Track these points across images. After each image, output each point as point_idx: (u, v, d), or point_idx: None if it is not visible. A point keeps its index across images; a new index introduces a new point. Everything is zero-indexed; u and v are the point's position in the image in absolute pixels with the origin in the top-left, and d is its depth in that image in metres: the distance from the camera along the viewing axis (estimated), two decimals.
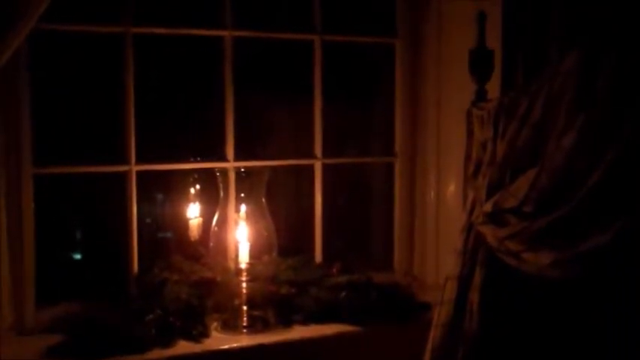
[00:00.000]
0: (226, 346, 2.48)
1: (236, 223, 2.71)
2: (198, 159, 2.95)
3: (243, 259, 2.60)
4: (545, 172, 2.01)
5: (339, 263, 2.92)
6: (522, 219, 2.05)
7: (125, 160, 2.73)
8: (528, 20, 2.28)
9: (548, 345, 2.15)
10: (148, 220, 3.18)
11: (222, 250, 2.77)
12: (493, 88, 2.41)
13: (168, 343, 2.43)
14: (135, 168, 2.74)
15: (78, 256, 3.31)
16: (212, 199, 2.91)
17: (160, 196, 3.26)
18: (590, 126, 1.94)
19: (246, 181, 2.80)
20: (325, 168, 3.07)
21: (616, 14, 1.98)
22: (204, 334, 2.51)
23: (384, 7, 3.19)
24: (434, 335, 2.28)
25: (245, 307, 2.60)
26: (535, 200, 2.03)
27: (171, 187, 3.14)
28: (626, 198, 1.87)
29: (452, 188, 3.05)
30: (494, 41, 2.42)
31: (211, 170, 2.88)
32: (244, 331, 2.58)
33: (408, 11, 3.14)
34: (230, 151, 2.87)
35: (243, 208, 2.73)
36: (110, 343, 2.35)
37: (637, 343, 2.03)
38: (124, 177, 2.74)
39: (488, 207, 2.15)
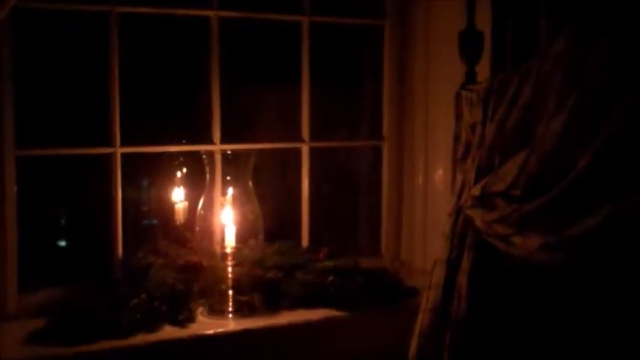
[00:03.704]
0: (212, 331, 2.46)
1: (222, 206, 2.69)
2: (184, 142, 2.92)
3: (230, 243, 2.58)
4: (535, 155, 2.00)
5: (325, 248, 2.90)
6: (511, 202, 2.04)
7: (110, 143, 2.69)
8: (518, 2, 2.25)
9: (535, 329, 2.15)
10: (133, 204, 3.14)
11: (208, 234, 2.75)
12: (483, 70, 2.39)
13: (153, 327, 2.41)
14: (120, 150, 2.70)
15: (62, 241, 3.28)
16: (198, 183, 2.88)
17: (145, 180, 3.22)
18: (580, 109, 1.93)
19: (232, 164, 2.77)
20: (313, 152, 3.05)
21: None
22: (190, 318, 2.49)
23: None
24: (422, 319, 2.27)
25: (231, 292, 2.58)
26: (524, 184, 2.01)
27: (157, 170, 3.11)
28: (616, 182, 1.86)
29: (440, 172, 3.03)
30: (483, 23, 2.40)
31: (197, 153, 2.85)
32: (230, 315, 2.56)
33: None
34: (216, 133, 2.84)
35: (229, 191, 2.70)
36: (94, 328, 2.32)
37: (624, 328, 2.02)
38: (108, 159, 2.71)
39: (476, 190, 2.14)
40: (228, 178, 2.76)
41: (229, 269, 2.57)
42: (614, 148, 1.87)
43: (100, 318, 2.33)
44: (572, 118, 1.93)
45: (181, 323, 2.46)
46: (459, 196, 2.24)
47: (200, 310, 2.57)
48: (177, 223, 3.02)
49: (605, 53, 1.89)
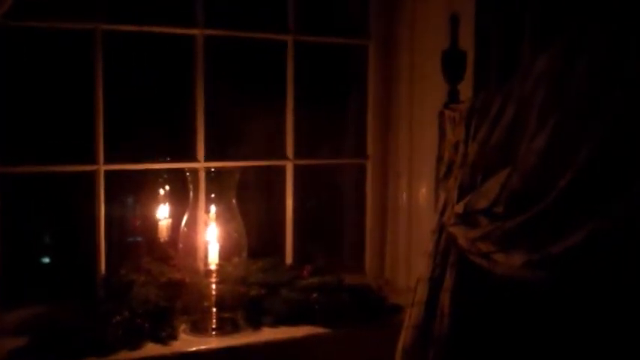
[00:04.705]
0: (195, 349, 2.45)
1: (206, 224, 2.68)
2: (168, 159, 2.92)
3: (213, 260, 2.57)
4: (517, 173, 2.01)
5: (309, 265, 2.90)
6: (494, 220, 2.05)
7: (93, 160, 2.69)
8: (501, 22, 2.28)
9: (519, 347, 2.15)
10: (117, 221, 3.13)
11: (191, 251, 2.74)
12: (466, 89, 2.41)
13: (135, 345, 2.40)
14: (103, 168, 2.70)
15: (45, 258, 3.26)
16: (182, 200, 2.88)
17: (129, 197, 3.22)
18: (562, 128, 1.94)
19: (216, 181, 2.78)
20: (297, 169, 3.06)
21: (589, 17, 1.99)
22: (173, 336, 2.48)
23: (357, 8, 3.19)
24: (404, 337, 2.27)
25: (214, 309, 2.57)
26: (506, 201, 2.02)
27: (141, 187, 3.10)
28: (599, 199, 1.87)
29: (424, 190, 3.04)
30: (467, 42, 2.42)
31: (181, 170, 2.85)
32: (213, 333, 2.55)
33: (382, 13, 3.13)
34: (200, 151, 2.84)
35: (213, 208, 2.70)
36: (76, 345, 2.31)
37: (609, 345, 2.02)
38: (92, 177, 2.70)
39: (459, 208, 2.15)
40: (212, 195, 2.76)
41: (213, 286, 2.56)
42: (596, 165, 1.88)
43: (82, 335, 2.32)
44: (553, 137, 1.94)
45: (164, 340, 2.45)
46: (442, 214, 2.25)
47: (183, 327, 2.56)
48: (161, 240, 3.01)
49: (583, 72, 1.91)
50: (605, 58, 1.91)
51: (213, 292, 2.56)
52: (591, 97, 1.91)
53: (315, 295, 2.71)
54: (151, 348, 2.42)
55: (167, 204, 3.06)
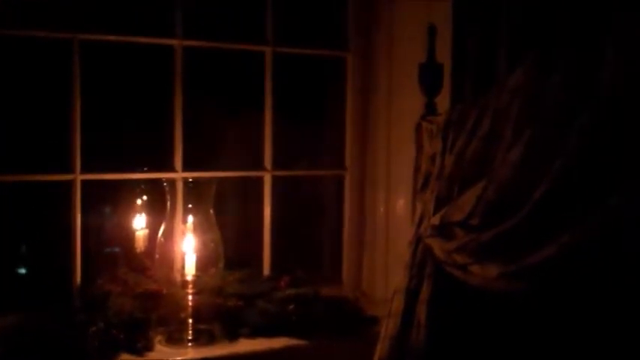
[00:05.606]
0: None
1: (183, 234, 2.67)
2: (146, 169, 2.90)
3: (190, 271, 2.56)
4: (492, 185, 2.02)
5: (287, 276, 2.90)
6: (469, 232, 2.05)
7: (70, 169, 2.68)
8: (478, 35, 2.29)
9: (495, 358, 2.16)
10: (94, 232, 3.11)
11: (168, 262, 2.72)
12: (443, 101, 2.42)
13: (111, 356, 2.39)
14: (80, 177, 2.69)
15: (20, 267, 3.23)
16: (159, 210, 2.86)
17: (105, 207, 3.20)
18: (537, 140, 1.96)
19: (194, 191, 2.76)
20: (275, 180, 3.06)
21: (563, 30, 2.01)
22: (148, 347, 2.47)
23: (336, 20, 3.20)
24: (381, 348, 2.26)
25: (190, 320, 2.56)
26: (482, 213, 2.03)
27: (118, 197, 3.09)
28: (574, 209, 1.88)
29: (401, 202, 3.05)
30: (444, 55, 2.43)
31: (159, 181, 2.84)
32: (189, 344, 2.54)
33: (360, 25, 3.15)
34: (178, 161, 2.84)
35: (190, 219, 2.69)
36: (50, 355, 2.29)
37: (587, 354, 2.03)
38: (68, 186, 2.69)
39: (435, 220, 2.16)
40: (190, 205, 2.75)
41: (189, 297, 2.55)
42: (571, 177, 1.90)
43: (56, 346, 2.31)
44: (528, 149, 1.95)
45: (139, 352, 2.43)
46: (419, 225, 2.26)
47: (159, 338, 2.55)
48: (138, 250, 2.99)
49: (557, 85, 1.93)
50: (582, 68, 1.93)
51: (190, 303, 2.55)
52: (567, 108, 1.93)
53: (291, 306, 2.71)
54: (126, 359, 2.40)
55: (144, 214, 3.04)
